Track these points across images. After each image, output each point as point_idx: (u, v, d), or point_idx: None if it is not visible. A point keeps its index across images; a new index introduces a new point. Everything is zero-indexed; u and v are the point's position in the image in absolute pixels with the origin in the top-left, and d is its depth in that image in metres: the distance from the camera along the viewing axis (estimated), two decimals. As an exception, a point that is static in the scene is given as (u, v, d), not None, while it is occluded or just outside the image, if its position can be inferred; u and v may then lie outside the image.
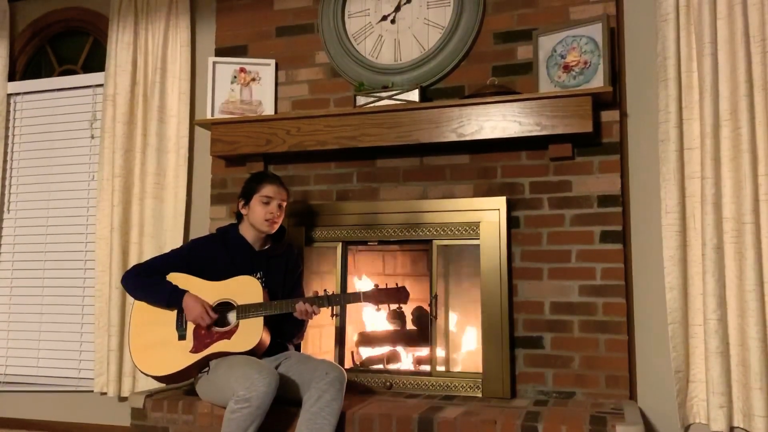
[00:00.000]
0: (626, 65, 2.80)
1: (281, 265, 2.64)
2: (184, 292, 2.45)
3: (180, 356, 2.43)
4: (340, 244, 2.99)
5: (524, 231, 2.78)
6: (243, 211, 2.59)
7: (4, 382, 3.61)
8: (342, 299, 2.58)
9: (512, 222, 2.78)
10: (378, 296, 2.49)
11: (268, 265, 2.61)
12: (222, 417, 2.24)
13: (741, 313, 2.46)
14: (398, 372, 2.91)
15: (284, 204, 2.60)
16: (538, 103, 2.64)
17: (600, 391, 2.62)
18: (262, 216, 2.54)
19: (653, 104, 2.69)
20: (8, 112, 3.76)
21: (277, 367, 2.40)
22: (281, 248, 2.68)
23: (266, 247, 2.64)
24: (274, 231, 2.59)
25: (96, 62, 3.72)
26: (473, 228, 2.77)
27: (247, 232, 2.61)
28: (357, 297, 2.51)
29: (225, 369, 2.33)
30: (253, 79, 3.17)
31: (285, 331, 2.58)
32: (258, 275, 2.55)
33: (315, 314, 2.46)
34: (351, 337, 3.08)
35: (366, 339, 3.12)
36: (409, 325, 3.16)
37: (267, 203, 2.54)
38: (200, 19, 3.47)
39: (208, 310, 2.43)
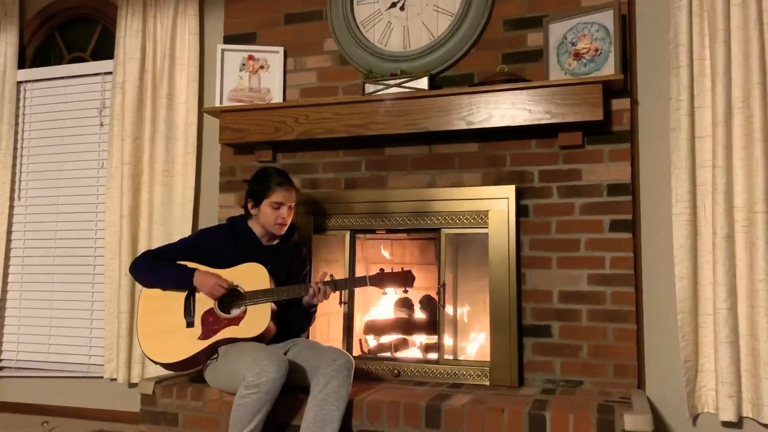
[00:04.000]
0: (638, 53, 2.77)
1: (286, 263, 2.64)
2: (193, 270, 2.46)
3: (188, 343, 2.45)
4: (348, 232, 2.99)
5: (533, 220, 2.77)
6: (252, 212, 2.59)
7: (15, 368, 3.65)
8: (348, 283, 2.61)
9: (521, 211, 2.77)
10: (384, 280, 2.50)
11: (273, 260, 2.60)
12: (231, 403, 2.26)
13: (751, 303, 2.45)
14: (406, 360, 2.92)
15: (293, 205, 2.60)
16: (548, 90, 2.62)
17: (608, 380, 2.61)
18: (272, 220, 2.55)
19: (665, 92, 2.66)
20: (18, 99, 3.77)
21: (284, 354, 2.41)
22: (289, 246, 2.68)
23: (275, 242, 2.64)
24: (283, 232, 2.60)
25: (105, 50, 3.73)
26: (482, 216, 2.77)
27: (256, 226, 2.61)
28: (363, 281, 2.52)
29: (234, 355, 2.34)
30: (262, 67, 3.16)
31: (290, 322, 2.58)
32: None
33: (326, 297, 2.47)
34: (359, 325, 3.09)
35: (374, 327, 3.13)
36: (417, 314, 3.17)
37: (277, 208, 2.54)
38: (209, 6, 3.46)
39: (221, 278, 2.44)
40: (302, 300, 2.50)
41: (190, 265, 2.51)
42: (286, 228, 2.59)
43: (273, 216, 2.54)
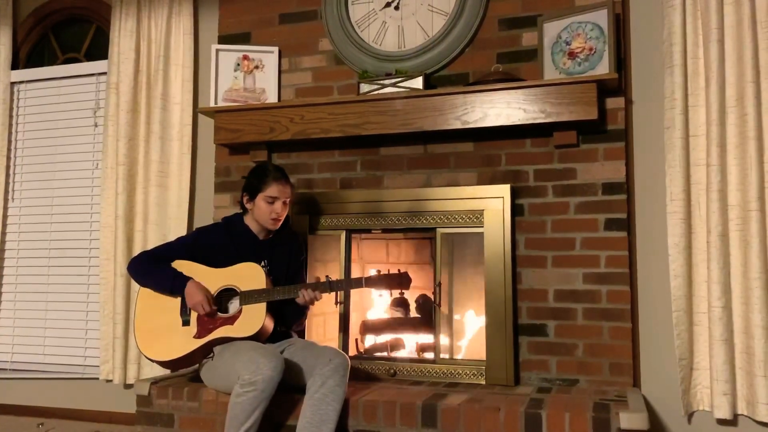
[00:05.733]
0: (632, 52, 2.78)
1: (285, 254, 2.66)
2: (187, 279, 2.46)
3: (184, 342, 2.45)
4: (344, 232, 2.99)
5: (528, 219, 2.77)
6: (248, 206, 2.60)
7: (10, 370, 3.63)
8: (344, 284, 2.62)
9: (516, 210, 2.77)
10: (380, 281, 2.50)
11: (272, 253, 2.62)
12: (227, 404, 2.26)
13: (745, 301, 2.46)
14: (402, 359, 2.92)
15: (288, 200, 2.60)
16: (543, 90, 2.63)
17: (604, 379, 2.62)
18: (267, 215, 2.55)
19: (659, 91, 2.67)
20: (12, 100, 3.76)
21: (281, 353, 2.41)
22: (285, 236, 2.69)
23: (270, 236, 2.65)
24: (277, 227, 2.61)
25: (99, 50, 3.72)
26: (477, 216, 2.77)
27: (251, 223, 2.62)
28: (359, 282, 2.52)
29: (230, 354, 2.34)
30: (257, 67, 3.16)
31: (286, 318, 2.59)
32: (262, 264, 2.56)
33: (317, 300, 2.47)
34: (355, 324, 3.09)
35: (370, 327, 3.13)
36: (413, 313, 3.17)
37: (272, 203, 2.55)
38: (203, 6, 3.45)
39: (209, 299, 2.45)
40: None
41: (186, 267, 2.51)
42: (279, 223, 2.60)
43: (267, 210, 2.55)
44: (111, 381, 3.31)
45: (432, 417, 2.29)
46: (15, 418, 3.52)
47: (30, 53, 3.88)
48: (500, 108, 2.68)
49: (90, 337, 3.52)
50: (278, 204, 2.56)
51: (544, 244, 2.74)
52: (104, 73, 3.54)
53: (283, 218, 2.60)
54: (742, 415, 2.48)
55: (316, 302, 2.49)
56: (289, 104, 3.00)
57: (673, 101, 2.58)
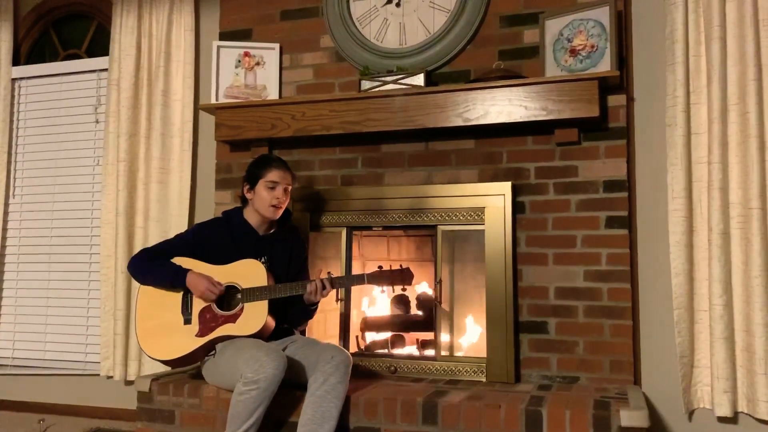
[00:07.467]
0: (634, 49, 2.77)
1: (286, 250, 2.65)
2: (187, 271, 2.46)
3: (186, 340, 2.45)
4: (345, 229, 2.99)
5: (529, 216, 2.77)
6: (248, 196, 2.59)
7: (11, 366, 3.64)
8: (346, 281, 2.61)
9: (517, 207, 2.77)
10: (382, 277, 2.50)
11: (272, 249, 2.61)
12: (228, 400, 2.26)
13: (746, 299, 2.46)
14: (403, 357, 2.92)
15: (290, 188, 2.60)
16: (545, 87, 2.62)
17: (604, 376, 2.62)
18: (267, 201, 2.54)
19: (660, 88, 2.67)
20: (13, 96, 3.76)
21: (282, 351, 2.41)
22: (286, 232, 2.68)
23: (271, 231, 2.64)
24: (278, 216, 2.59)
25: (100, 46, 3.71)
26: (478, 213, 2.77)
27: (251, 216, 2.61)
28: (361, 279, 2.52)
29: (232, 352, 2.34)
30: (258, 64, 3.16)
31: (290, 318, 2.59)
32: (262, 260, 2.56)
33: (323, 296, 2.47)
34: (356, 321, 3.09)
35: (371, 324, 3.13)
36: (414, 310, 3.17)
37: (272, 188, 2.54)
38: (204, 2, 3.45)
39: (213, 282, 2.44)
40: (303, 297, 2.50)
41: (186, 264, 2.50)
42: (281, 212, 2.58)
43: (268, 197, 2.53)
44: (112, 377, 3.32)
45: (432, 414, 2.30)
46: (16, 413, 3.53)
47: (31, 49, 3.88)
48: (502, 105, 2.67)
49: (91, 334, 3.52)
50: (279, 190, 2.54)
51: (545, 242, 2.74)
52: (105, 70, 3.54)
53: (283, 207, 2.58)
54: (743, 412, 2.48)
55: (322, 297, 2.48)
56: (290, 101, 3.00)
57: (674, 99, 2.58)
